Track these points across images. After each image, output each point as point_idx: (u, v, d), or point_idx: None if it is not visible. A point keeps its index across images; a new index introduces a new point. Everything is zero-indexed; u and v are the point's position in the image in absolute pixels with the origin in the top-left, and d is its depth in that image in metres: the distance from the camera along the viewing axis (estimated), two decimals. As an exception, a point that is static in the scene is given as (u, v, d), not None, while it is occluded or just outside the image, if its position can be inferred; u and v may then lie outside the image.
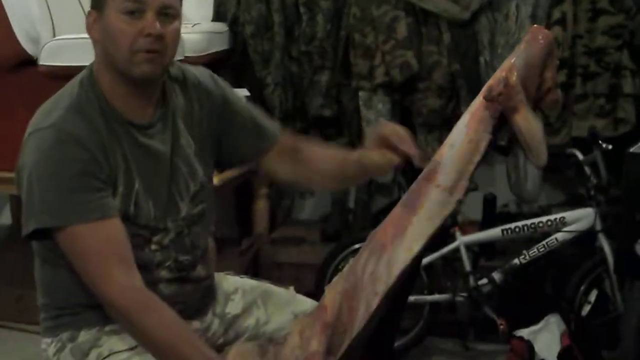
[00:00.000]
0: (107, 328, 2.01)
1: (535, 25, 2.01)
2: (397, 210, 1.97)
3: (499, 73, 1.90)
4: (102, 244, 1.87)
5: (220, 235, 3.88)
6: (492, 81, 1.90)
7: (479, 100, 1.92)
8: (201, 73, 2.19)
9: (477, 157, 1.90)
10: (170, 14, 1.94)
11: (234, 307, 2.27)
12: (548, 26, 3.94)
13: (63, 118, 1.89)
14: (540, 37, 1.92)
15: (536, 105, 1.97)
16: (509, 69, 1.88)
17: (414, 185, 1.97)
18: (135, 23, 1.90)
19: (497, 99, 1.86)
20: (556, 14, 3.95)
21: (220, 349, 2.21)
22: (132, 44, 1.90)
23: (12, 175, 3.49)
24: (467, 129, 1.91)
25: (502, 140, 2.05)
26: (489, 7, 4.03)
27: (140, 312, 1.88)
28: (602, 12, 3.92)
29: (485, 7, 4.01)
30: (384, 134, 2.05)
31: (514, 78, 1.86)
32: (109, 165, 1.92)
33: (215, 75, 2.23)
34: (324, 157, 2.23)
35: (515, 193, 3.51)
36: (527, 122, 1.89)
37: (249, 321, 2.27)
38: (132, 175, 1.97)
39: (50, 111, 1.93)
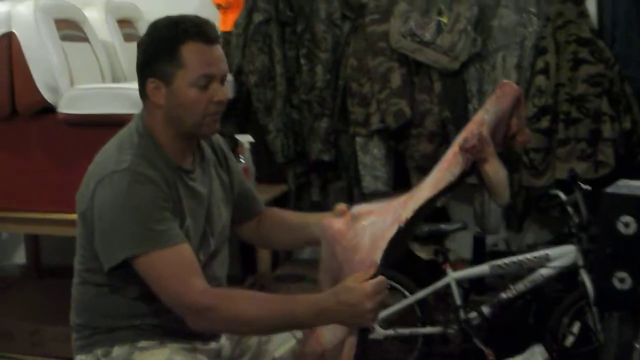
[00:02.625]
0: (140, 344, 2.23)
1: (503, 81, 2.24)
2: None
3: (472, 125, 2.14)
4: (181, 263, 2.08)
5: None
6: (466, 133, 2.14)
7: (452, 149, 2.16)
8: (217, 137, 2.46)
9: (432, 192, 2.13)
10: (225, 80, 2.20)
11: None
12: (532, 75, 4.15)
13: (134, 163, 2.12)
14: (508, 92, 2.16)
15: (507, 146, 2.21)
16: (480, 123, 2.12)
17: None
18: (204, 93, 2.14)
19: (471, 150, 2.10)
20: (540, 64, 4.14)
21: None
22: (204, 110, 2.14)
23: (29, 215, 3.77)
24: (438, 170, 2.16)
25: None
26: (477, 58, 4.19)
27: (228, 301, 2.06)
28: (583, 62, 4.10)
29: (473, 58, 4.18)
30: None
31: (484, 133, 2.10)
32: (173, 202, 2.16)
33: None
34: (279, 226, 2.52)
35: (479, 225, 3.70)
36: (495, 171, 2.13)
37: (252, 340, 2.46)
38: (185, 213, 2.20)
39: (118, 156, 2.15)
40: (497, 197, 2.16)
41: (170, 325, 2.22)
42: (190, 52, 2.13)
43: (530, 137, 2.24)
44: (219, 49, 2.17)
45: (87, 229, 2.18)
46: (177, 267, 2.07)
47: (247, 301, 2.06)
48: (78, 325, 2.31)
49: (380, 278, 1.99)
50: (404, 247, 2.18)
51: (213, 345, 2.38)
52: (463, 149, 2.10)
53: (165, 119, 2.20)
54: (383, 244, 2.07)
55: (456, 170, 2.12)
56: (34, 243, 5.09)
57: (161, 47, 2.14)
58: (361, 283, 1.98)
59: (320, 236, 2.24)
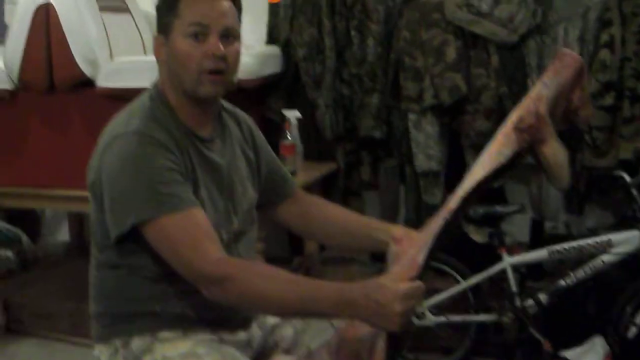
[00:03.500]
0: (160, 335, 2.09)
1: (562, 51, 2.05)
2: None
3: (529, 102, 1.95)
4: (194, 228, 1.96)
5: (273, 254, 4.00)
6: (522, 111, 1.95)
7: (503, 129, 1.98)
8: (245, 116, 2.36)
9: (479, 177, 1.96)
10: (232, 35, 2.07)
11: (272, 317, 2.34)
12: (596, 49, 3.96)
13: (144, 125, 2.02)
14: (568, 63, 1.97)
15: (568, 123, 2.02)
16: (538, 99, 1.93)
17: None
18: (200, 46, 2.03)
19: (528, 130, 1.91)
20: (604, 37, 3.94)
21: (260, 358, 2.28)
22: (198, 65, 2.03)
23: (72, 193, 3.71)
24: (488, 152, 1.98)
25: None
26: (537, 31, 4.04)
27: (246, 273, 1.91)
28: None
29: (533, 30, 4.03)
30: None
31: (542, 110, 1.91)
32: (186, 168, 2.05)
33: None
34: (333, 220, 2.37)
35: (536, 209, 3.51)
36: (554, 153, 1.94)
37: (287, 330, 2.35)
38: (199, 183, 2.09)
39: (127, 120, 2.05)
40: (556, 180, 1.97)
41: (194, 312, 2.09)
42: (188, 2, 2.05)
43: (593, 112, 2.03)
44: (223, 3, 2.06)
45: (97, 203, 2.07)
46: (189, 232, 1.95)
47: (267, 276, 1.91)
48: (96, 314, 2.18)
49: (418, 283, 1.82)
50: (453, 237, 2.01)
51: (242, 335, 2.23)
52: (519, 129, 1.91)
53: (169, 79, 2.11)
54: (428, 240, 1.90)
55: (508, 151, 1.94)
56: (77, 221, 5.04)
57: (164, 1, 2.10)
58: (396, 283, 1.81)
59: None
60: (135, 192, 1.97)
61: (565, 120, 2.04)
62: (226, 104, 2.29)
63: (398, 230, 2.21)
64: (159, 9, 2.11)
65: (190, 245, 1.94)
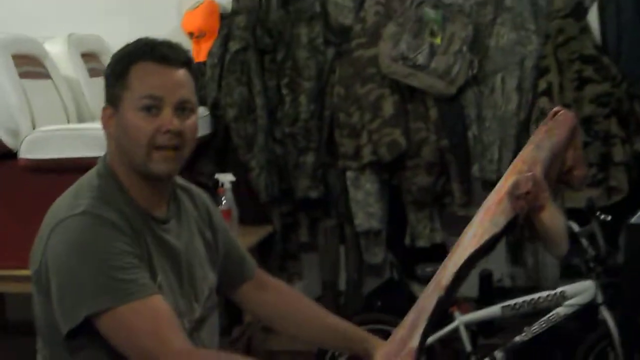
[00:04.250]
0: None
1: (556, 109, 1.93)
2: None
3: (521, 166, 1.82)
4: (155, 316, 1.78)
5: None
6: (517, 177, 1.81)
7: (495, 196, 1.84)
8: (200, 192, 2.18)
9: (472, 250, 1.83)
10: (188, 108, 1.90)
11: None
12: (534, 97, 3.96)
13: (92, 205, 1.83)
14: (562, 122, 1.85)
15: (562, 182, 1.90)
16: (532, 163, 1.80)
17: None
18: (153, 120, 1.85)
19: (525, 197, 1.78)
20: (542, 85, 3.95)
21: None
22: (150, 141, 1.85)
23: None
24: (478, 223, 1.85)
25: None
26: (475, 81, 4.02)
27: None
28: (588, 80, 3.92)
29: (470, 81, 4.00)
30: None
31: (538, 174, 1.78)
32: (141, 251, 1.86)
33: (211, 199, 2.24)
34: (308, 316, 2.19)
35: (533, 280, 3.44)
36: (552, 219, 1.81)
37: None
38: (155, 268, 1.89)
39: (73, 201, 1.86)
40: (554, 248, 1.84)
41: None
42: (138, 71, 1.87)
43: (587, 170, 1.90)
44: (177, 73, 1.89)
45: (43, 294, 1.86)
46: (149, 321, 1.77)
47: None
48: None
49: None
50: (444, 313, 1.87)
51: None
52: (515, 196, 1.77)
53: (118, 154, 1.92)
54: (422, 322, 1.75)
55: (502, 220, 1.79)
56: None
57: (113, 70, 1.92)
58: None
59: None
60: (87, 279, 1.77)
61: (558, 181, 1.92)
62: (179, 180, 2.10)
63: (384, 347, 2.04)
64: (107, 78, 1.93)
65: (151, 334, 1.76)
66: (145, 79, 1.86)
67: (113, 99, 1.90)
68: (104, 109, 1.93)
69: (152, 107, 1.85)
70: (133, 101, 1.86)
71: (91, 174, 1.95)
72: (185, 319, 1.93)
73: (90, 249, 1.78)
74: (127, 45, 1.93)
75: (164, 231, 1.94)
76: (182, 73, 1.89)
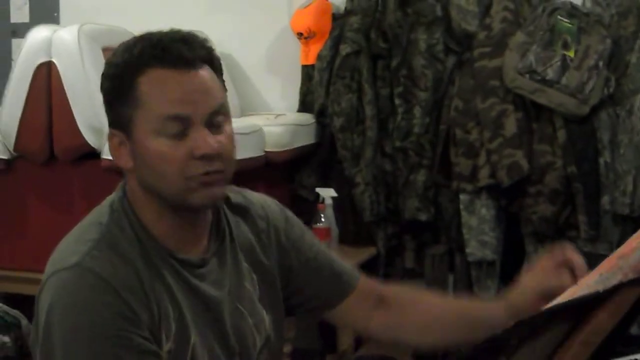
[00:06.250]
0: None
1: None
2: None
3: None
4: None
5: (302, 348, 3.56)
6: None
7: (629, 244, 1.43)
8: (267, 202, 1.79)
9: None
10: (221, 120, 1.53)
11: None
12: None
13: (90, 255, 1.47)
14: None
15: None
16: None
17: None
18: (182, 143, 1.49)
19: None
20: None
21: None
22: (183, 171, 1.49)
23: None
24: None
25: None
26: (610, 102, 3.69)
27: None
28: None
29: (605, 101, 3.66)
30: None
31: None
32: (152, 314, 1.49)
33: (285, 208, 1.83)
34: (434, 306, 1.83)
35: None
36: None
37: None
38: (187, 325, 1.53)
39: (73, 246, 1.52)
40: None
41: None
42: (149, 83, 1.48)
43: None
44: (201, 77, 1.51)
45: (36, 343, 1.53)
46: None
47: None
48: None
49: None
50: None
51: None
52: None
53: (142, 189, 1.54)
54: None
55: (612, 280, 1.38)
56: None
57: (114, 83, 1.52)
58: None
59: None
60: None
61: None
62: (235, 196, 1.73)
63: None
64: (107, 93, 1.55)
65: None
66: (162, 94, 1.49)
67: (120, 122, 1.52)
68: (110, 135, 1.56)
69: (179, 130, 1.49)
70: (150, 124, 1.48)
71: (104, 207, 1.59)
72: None
73: (73, 323, 1.43)
74: (126, 46, 1.53)
75: (198, 278, 1.58)
76: (205, 75, 1.52)
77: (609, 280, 1.38)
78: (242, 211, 1.71)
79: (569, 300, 1.41)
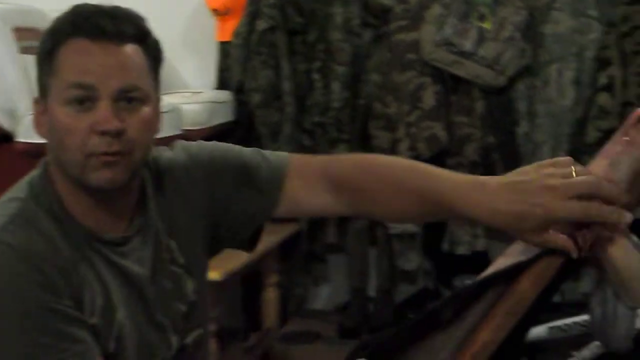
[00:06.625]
0: None
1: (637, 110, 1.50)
2: None
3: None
4: None
5: (226, 325, 3.55)
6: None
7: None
8: (174, 154, 1.71)
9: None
10: (136, 97, 1.48)
11: None
12: (594, 92, 3.69)
13: (5, 230, 1.43)
14: None
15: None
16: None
17: None
18: (86, 116, 1.44)
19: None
20: (603, 79, 3.68)
21: None
22: (83, 145, 1.43)
23: None
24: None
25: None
26: (527, 72, 3.74)
27: None
28: None
29: (522, 72, 3.72)
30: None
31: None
32: (74, 288, 1.45)
33: (189, 146, 1.73)
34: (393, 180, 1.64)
35: (599, 336, 3.09)
36: (626, 256, 1.40)
37: None
38: (112, 300, 1.50)
39: None
40: (628, 295, 1.42)
41: None
42: (67, 52, 1.44)
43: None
44: (120, 52, 1.47)
45: None
46: None
47: None
48: None
49: None
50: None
51: None
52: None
53: (57, 164, 1.50)
54: None
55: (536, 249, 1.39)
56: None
57: (40, 51, 1.50)
58: None
59: None
60: None
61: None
62: (160, 159, 1.65)
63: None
64: (37, 62, 1.52)
65: None
66: (73, 60, 1.45)
67: (42, 90, 1.50)
68: (35, 102, 1.53)
69: (84, 100, 1.43)
70: (60, 92, 1.44)
71: (21, 184, 1.54)
72: (158, 357, 1.57)
73: None
74: (58, 16, 1.50)
75: (121, 256, 1.54)
76: (128, 51, 1.47)
77: (531, 249, 1.39)
78: (157, 180, 1.65)
79: (495, 272, 1.41)
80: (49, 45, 1.46)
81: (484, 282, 1.40)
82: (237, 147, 1.74)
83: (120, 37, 1.46)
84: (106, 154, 1.43)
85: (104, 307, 1.47)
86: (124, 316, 1.50)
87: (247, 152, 1.73)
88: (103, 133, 1.42)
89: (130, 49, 1.46)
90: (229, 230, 1.71)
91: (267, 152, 1.73)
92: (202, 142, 1.74)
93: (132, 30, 1.48)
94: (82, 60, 1.44)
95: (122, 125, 1.43)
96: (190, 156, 1.68)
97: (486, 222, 1.47)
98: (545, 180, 1.38)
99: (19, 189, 1.52)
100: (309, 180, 1.68)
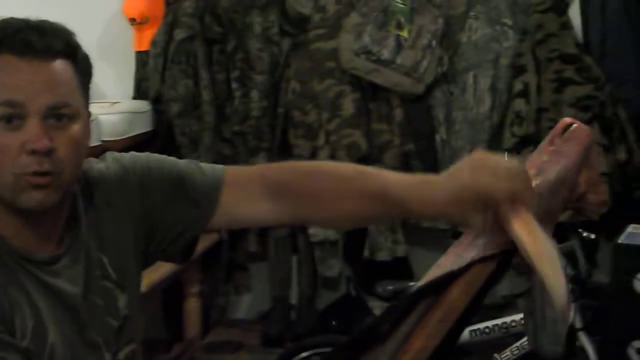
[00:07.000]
0: None
1: (565, 121, 1.51)
2: None
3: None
4: None
5: (149, 338, 3.50)
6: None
7: None
8: (105, 166, 1.65)
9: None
10: (65, 114, 1.44)
11: None
12: (509, 98, 3.73)
13: None
14: (577, 139, 1.45)
15: (575, 211, 1.51)
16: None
17: None
18: (15, 135, 1.40)
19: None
20: (518, 86, 3.73)
21: None
22: (12, 165, 1.39)
23: None
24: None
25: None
26: (444, 80, 3.78)
27: None
28: (568, 82, 3.69)
29: (439, 79, 3.76)
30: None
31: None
32: (3, 311, 1.41)
33: (121, 157, 1.67)
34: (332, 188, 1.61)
35: (531, 341, 3.15)
36: (531, 231, 1.41)
37: None
38: (44, 322, 1.46)
39: None
40: (544, 282, 1.43)
41: None
42: None
43: (607, 196, 1.51)
44: (48, 68, 1.43)
45: None
46: None
47: None
48: None
49: None
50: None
51: None
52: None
53: None
54: None
55: (467, 257, 1.41)
56: None
57: None
58: None
59: None
60: None
61: (573, 210, 1.53)
62: (90, 172, 1.60)
63: None
64: None
65: None
66: (1, 80, 1.41)
67: None
68: None
69: (12, 117, 1.39)
70: None
71: None
72: None
73: None
74: None
75: (51, 275, 1.50)
76: (56, 67, 1.43)
77: (462, 259, 1.41)
78: (87, 193, 1.60)
79: (428, 282, 1.42)
80: None
81: (418, 293, 1.42)
82: (172, 158, 1.69)
83: (49, 53, 1.41)
84: (36, 173, 1.39)
85: (35, 330, 1.44)
86: (56, 337, 1.46)
87: (182, 163, 1.68)
88: (33, 152, 1.38)
89: (60, 65, 1.42)
90: (163, 242, 1.67)
91: (203, 164, 1.69)
92: (134, 153, 1.69)
93: (61, 45, 1.43)
94: (9, 77, 1.39)
95: (52, 144, 1.39)
96: (123, 167, 1.65)
97: (435, 214, 1.51)
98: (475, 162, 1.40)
99: None
100: (247, 189, 1.64)
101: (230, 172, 1.66)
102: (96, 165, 1.63)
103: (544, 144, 1.46)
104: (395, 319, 1.39)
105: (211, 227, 1.67)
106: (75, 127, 1.43)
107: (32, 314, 1.43)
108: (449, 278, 1.40)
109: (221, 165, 1.68)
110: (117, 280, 1.60)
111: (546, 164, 1.43)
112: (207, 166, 1.68)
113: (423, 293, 1.40)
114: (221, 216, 1.64)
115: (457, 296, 1.39)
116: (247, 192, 1.63)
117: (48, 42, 1.41)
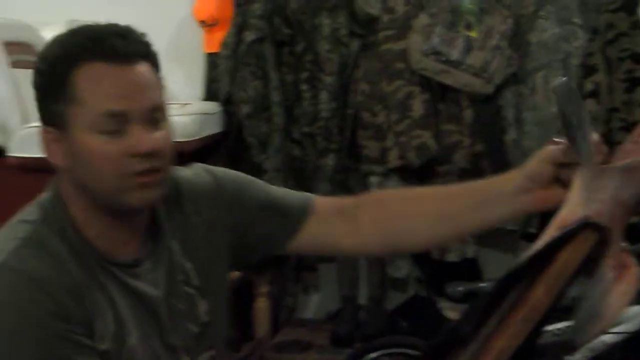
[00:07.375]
0: None
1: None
2: None
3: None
4: None
5: None
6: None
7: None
8: (196, 175, 1.71)
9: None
10: (159, 114, 1.48)
11: None
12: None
13: (16, 254, 1.42)
14: None
15: None
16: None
17: None
18: (119, 140, 1.43)
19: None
20: (589, 86, 3.64)
21: None
22: (120, 169, 1.44)
23: None
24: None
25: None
26: (514, 80, 3.73)
27: None
28: (639, 82, 3.60)
29: (509, 79, 3.72)
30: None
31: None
32: (85, 313, 1.45)
33: (213, 169, 1.75)
34: (416, 199, 1.70)
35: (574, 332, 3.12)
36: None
37: None
38: (125, 324, 1.50)
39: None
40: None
41: None
42: (85, 78, 1.42)
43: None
44: (138, 72, 1.45)
45: None
46: None
47: None
48: None
49: None
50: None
51: None
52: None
53: (75, 188, 1.48)
54: None
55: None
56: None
57: (47, 78, 1.46)
58: None
59: None
60: None
61: None
62: (177, 176, 1.66)
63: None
64: (39, 88, 1.48)
65: None
66: (99, 90, 1.43)
67: (54, 118, 1.46)
68: (43, 131, 1.48)
69: (115, 128, 1.43)
70: (87, 121, 1.42)
71: (32, 206, 1.53)
72: None
73: (8, 324, 1.38)
74: (60, 40, 1.46)
75: (134, 277, 1.54)
76: (144, 70, 1.46)
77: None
78: (174, 200, 1.65)
79: (530, 254, 1.39)
80: (60, 70, 1.43)
81: (498, 290, 1.41)
82: (259, 183, 1.77)
83: (132, 57, 1.44)
84: (145, 172, 1.43)
85: (116, 332, 1.47)
86: (137, 339, 1.50)
87: (272, 186, 1.77)
88: (139, 155, 1.43)
89: (144, 68, 1.45)
90: (245, 250, 1.72)
91: (292, 191, 1.77)
92: (224, 168, 1.77)
93: (141, 48, 1.47)
94: (107, 87, 1.42)
95: (157, 145, 1.45)
96: (216, 179, 1.70)
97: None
98: None
99: (29, 211, 1.51)
100: (331, 221, 1.70)
101: (320, 202, 1.73)
102: (182, 173, 1.67)
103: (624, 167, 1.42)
104: (477, 321, 1.39)
105: (290, 249, 1.74)
106: (167, 126, 1.48)
107: (114, 316, 1.47)
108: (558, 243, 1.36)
109: (310, 194, 1.75)
110: (199, 286, 1.63)
111: (625, 182, 1.40)
112: (296, 192, 1.75)
113: (503, 290, 1.40)
114: (301, 240, 1.72)
115: (541, 295, 1.39)
116: (330, 224, 1.70)
117: (130, 46, 1.44)
